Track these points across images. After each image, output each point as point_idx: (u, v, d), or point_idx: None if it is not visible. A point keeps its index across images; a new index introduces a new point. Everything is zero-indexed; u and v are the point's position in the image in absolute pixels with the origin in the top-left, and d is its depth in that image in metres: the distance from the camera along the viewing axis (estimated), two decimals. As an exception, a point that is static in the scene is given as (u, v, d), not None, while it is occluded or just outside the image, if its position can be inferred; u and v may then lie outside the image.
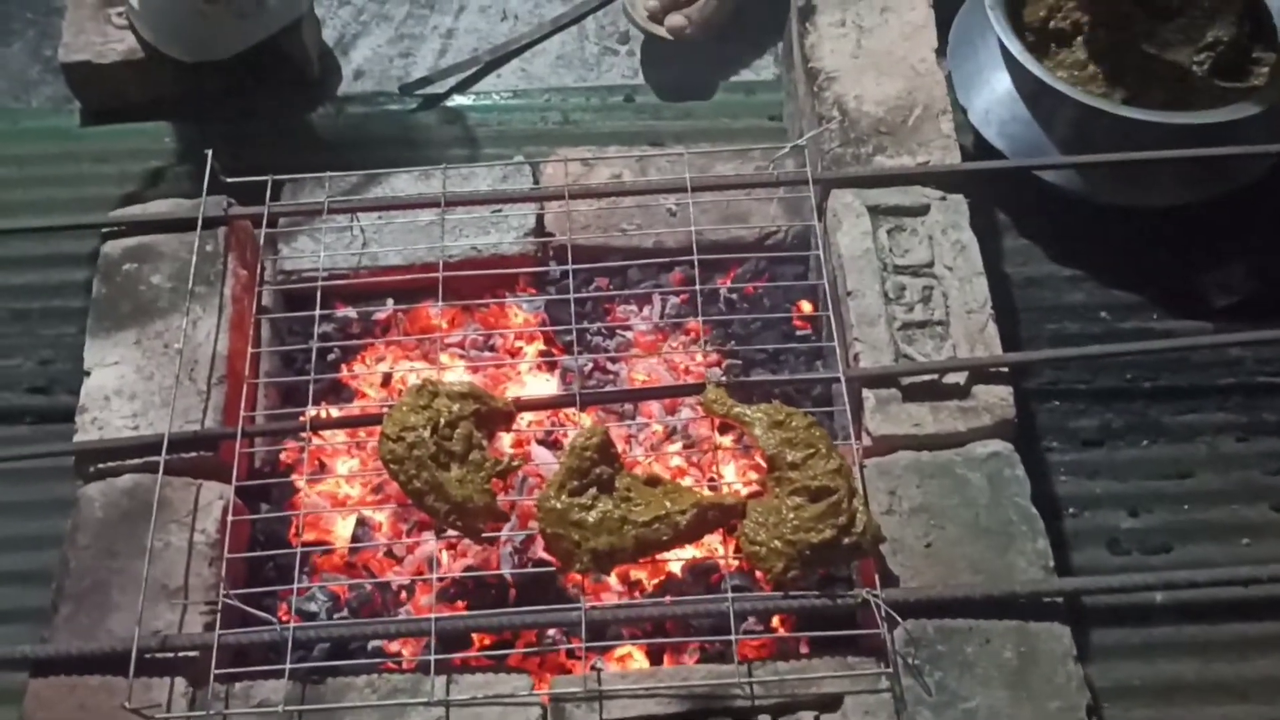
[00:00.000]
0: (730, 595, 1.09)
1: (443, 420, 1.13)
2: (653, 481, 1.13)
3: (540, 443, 1.35)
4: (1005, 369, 1.21)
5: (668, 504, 1.10)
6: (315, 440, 1.31)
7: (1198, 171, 1.45)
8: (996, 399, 1.20)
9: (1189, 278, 1.50)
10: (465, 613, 1.19)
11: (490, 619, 1.11)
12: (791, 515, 1.08)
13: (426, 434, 1.12)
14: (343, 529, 1.31)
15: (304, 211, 1.37)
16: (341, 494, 1.33)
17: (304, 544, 1.22)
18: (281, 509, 1.30)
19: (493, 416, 1.17)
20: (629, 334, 1.42)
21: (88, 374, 1.27)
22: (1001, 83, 1.51)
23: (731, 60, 1.74)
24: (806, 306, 1.42)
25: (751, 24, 1.73)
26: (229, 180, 1.33)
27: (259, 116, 1.66)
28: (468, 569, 1.27)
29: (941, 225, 1.30)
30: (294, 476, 1.32)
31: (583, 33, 1.78)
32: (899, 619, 1.06)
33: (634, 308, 1.43)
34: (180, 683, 1.10)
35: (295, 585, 1.16)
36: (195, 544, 1.17)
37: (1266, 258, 1.50)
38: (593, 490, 1.10)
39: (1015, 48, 1.43)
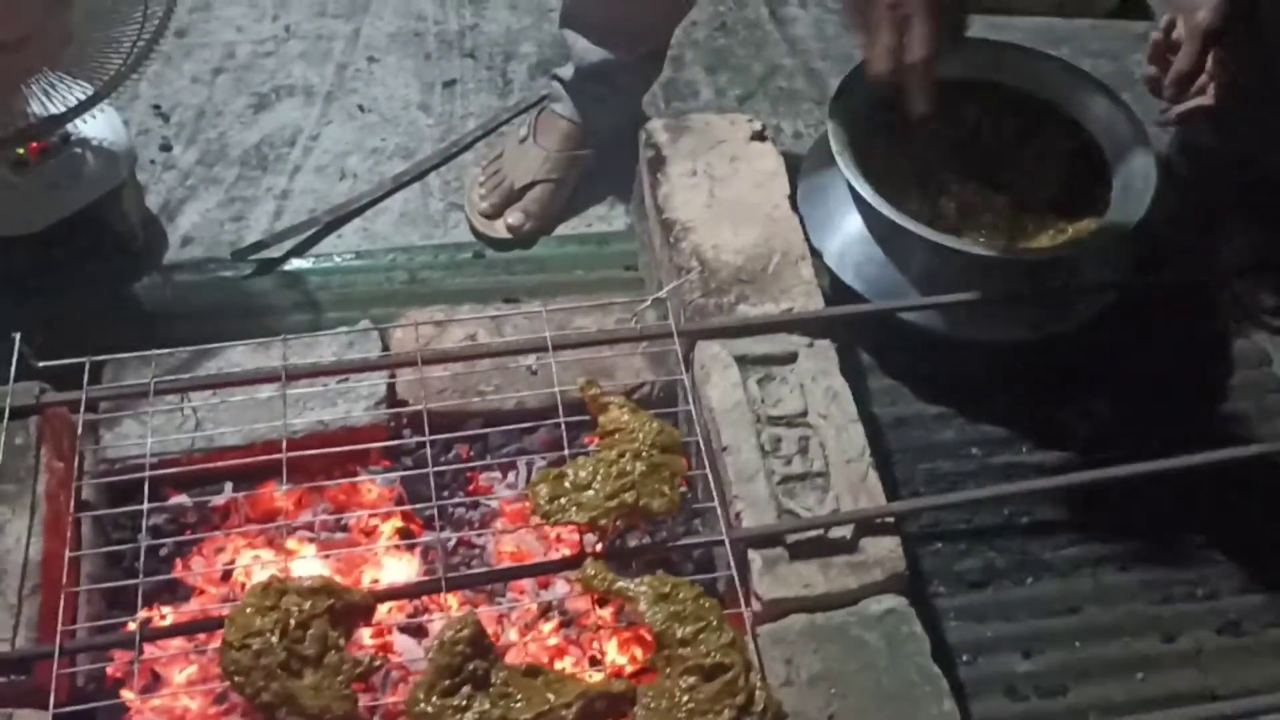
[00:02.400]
0: (626, 794, 0.99)
1: (293, 621, 1.02)
2: (532, 672, 1.03)
3: (403, 630, 1.24)
4: (891, 518, 1.17)
5: (551, 697, 1.00)
6: (148, 649, 1.17)
7: (1049, 306, 1.47)
8: (885, 551, 1.15)
9: (1051, 409, 1.51)
10: None
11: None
12: (685, 698, 1.00)
13: (275, 639, 1.00)
14: (183, 749, 1.16)
15: (128, 394, 1.25)
16: (180, 707, 1.18)
17: (138, 772, 1.07)
18: (110, 735, 1.15)
19: (350, 611, 1.06)
20: (494, 504, 1.33)
21: (-126, 596, 1.11)
22: (853, 225, 1.51)
23: (580, 213, 1.70)
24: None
25: (597, 176, 1.71)
26: (41, 365, 1.21)
27: (77, 292, 1.53)
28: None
29: (811, 373, 1.26)
30: (123, 692, 1.17)
31: (426, 189, 1.72)
32: (808, 804, 0.98)
33: (498, 475, 1.35)
34: None
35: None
36: (5, 789, 1.02)
37: (1121, 384, 1.52)
38: (466, 689, 1.00)
39: (865, 191, 1.43)
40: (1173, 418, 1.50)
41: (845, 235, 1.51)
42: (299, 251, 1.62)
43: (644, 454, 1.13)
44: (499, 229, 1.64)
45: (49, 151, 1.47)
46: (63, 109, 1.36)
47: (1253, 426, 1.52)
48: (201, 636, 1.19)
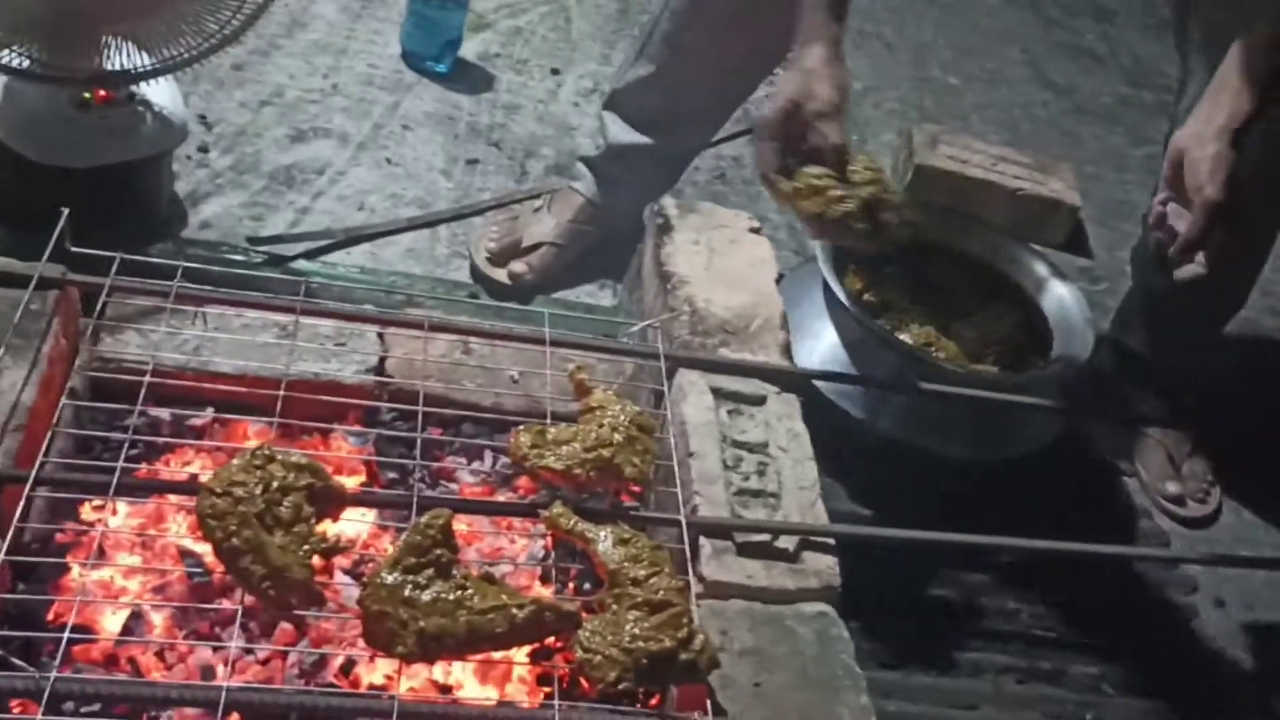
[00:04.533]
0: (558, 701, 1.02)
1: (275, 484, 1.07)
2: (488, 578, 1.08)
3: (347, 573, 1.27)
4: (831, 540, 1.25)
5: (505, 598, 1.04)
6: (100, 527, 1.19)
7: (989, 432, 1.61)
8: (824, 566, 1.23)
9: (977, 530, 1.61)
10: (263, 686, 1.06)
11: (294, 697, 0.99)
12: (631, 625, 1.05)
13: (257, 491, 1.05)
14: (110, 623, 1.16)
15: (149, 291, 1.31)
16: (117, 586, 1.19)
17: (65, 626, 1.07)
18: (45, 590, 1.16)
19: (327, 495, 1.11)
20: (454, 485, 1.39)
21: None
22: (827, 335, 1.65)
23: (570, 287, 1.83)
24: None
25: (592, 264, 1.85)
26: (74, 250, 1.28)
27: (95, 239, 1.60)
28: (243, 685, 1.14)
29: (777, 414, 1.37)
30: (68, 558, 1.18)
31: (435, 236, 1.84)
32: (729, 748, 1.02)
33: (463, 460, 1.41)
34: (-108, 731, 0.92)
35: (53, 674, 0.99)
36: (-54, 586, 1.02)
37: (1036, 528, 1.63)
38: (429, 572, 1.04)
39: (846, 299, 1.59)
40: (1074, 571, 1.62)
41: (817, 343, 1.65)
42: (309, 256, 1.72)
43: (622, 428, 1.21)
44: (500, 275, 1.76)
45: (113, 102, 1.58)
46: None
47: (1148, 591, 1.65)
48: (152, 529, 1.23)
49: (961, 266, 1.81)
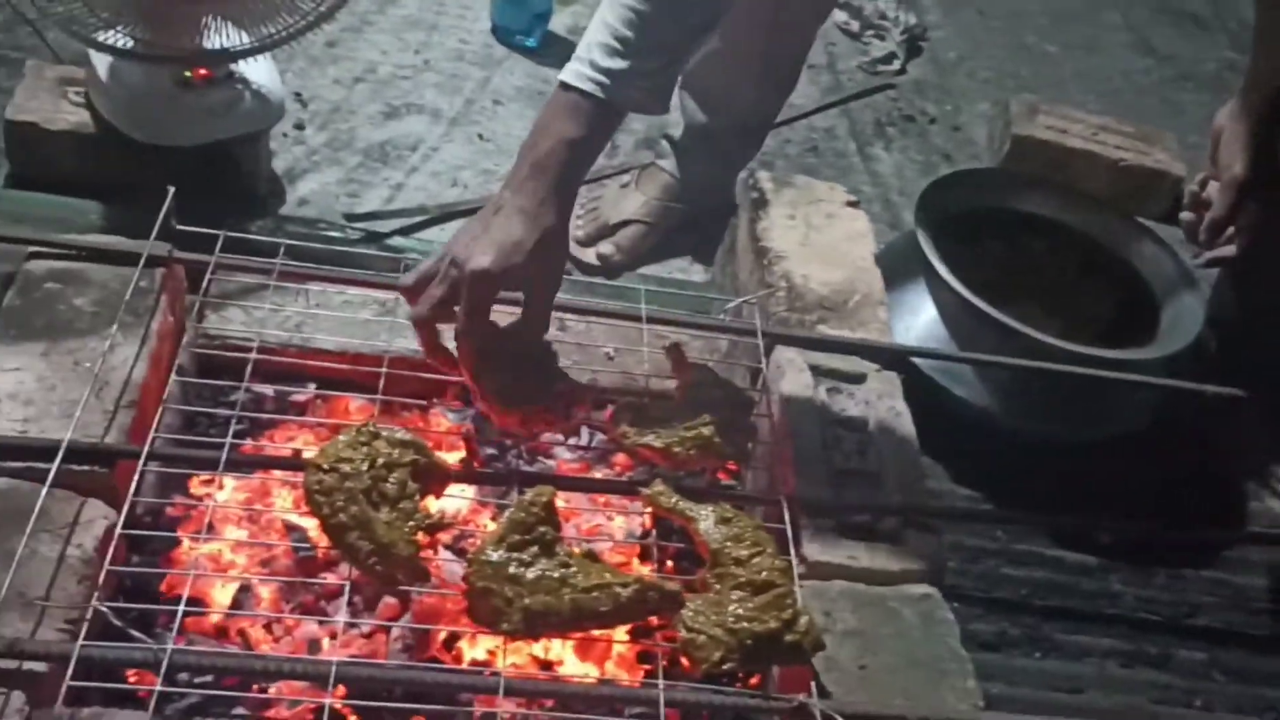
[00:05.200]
0: (661, 680, 1.02)
1: (380, 460, 1.08)
2: (591, 556, 1.08)
3: (448, 548, 1.28)
4: (934, 521, 1.23)
5: (608, 576, 1.04)
6: (209, 501, 1.22)
7: (1090, 410, 1.57)
8: (928, 547, 1.21)
9: (1078, 511, 1.58)
10: (371, 660, 1.07)
11: (401, 672, 1.00)
12: (735, 605, 1.04)
13: (364, 467, 1.06)
14: (220, 596, 1.19)
15: (253, 269, 1.33)
16: (226, 559, 1.22)
17: (179, 600, 1.09)
18: (158, 563, 1.18)
19: (430, 472, 1.12)
20: (552, 462, 1.39)
21: (-21, 374, 1.16)
22: (927, 313, 1.62)
23: (663, 261, 1.82)
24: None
25: (683, 239, 1.84)
26: (180, 228, 1.30)
27: (196, 217, 1.62)
28: (351, 659, 1.16)
29: (877, 392, 1.35)
30: (178, 532, 1.21)
31: (528, 211, 1.84)
32: (835, 729, 1.01)
33: (559, 437, 1.41)
34: (17, 698, 0.94)
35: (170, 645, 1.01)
36: (68, 557, 1.04)
37: (1148, 501, 1.60)
38: (534, 549, 1.04)
39: (948, 275, 1.55)
40: (1182, 552, 1.58)
41: (917, 321, 1.62)
42: (405, 233, 1.73)
43: (722, 407, 1.20)
44: (589, 256, 1.75)
45: (214, 81, 1.60)
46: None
47: (1259, 574, 1.60)
48: (259, 504, 1.25)
49: (1062, 240, 1.76)
